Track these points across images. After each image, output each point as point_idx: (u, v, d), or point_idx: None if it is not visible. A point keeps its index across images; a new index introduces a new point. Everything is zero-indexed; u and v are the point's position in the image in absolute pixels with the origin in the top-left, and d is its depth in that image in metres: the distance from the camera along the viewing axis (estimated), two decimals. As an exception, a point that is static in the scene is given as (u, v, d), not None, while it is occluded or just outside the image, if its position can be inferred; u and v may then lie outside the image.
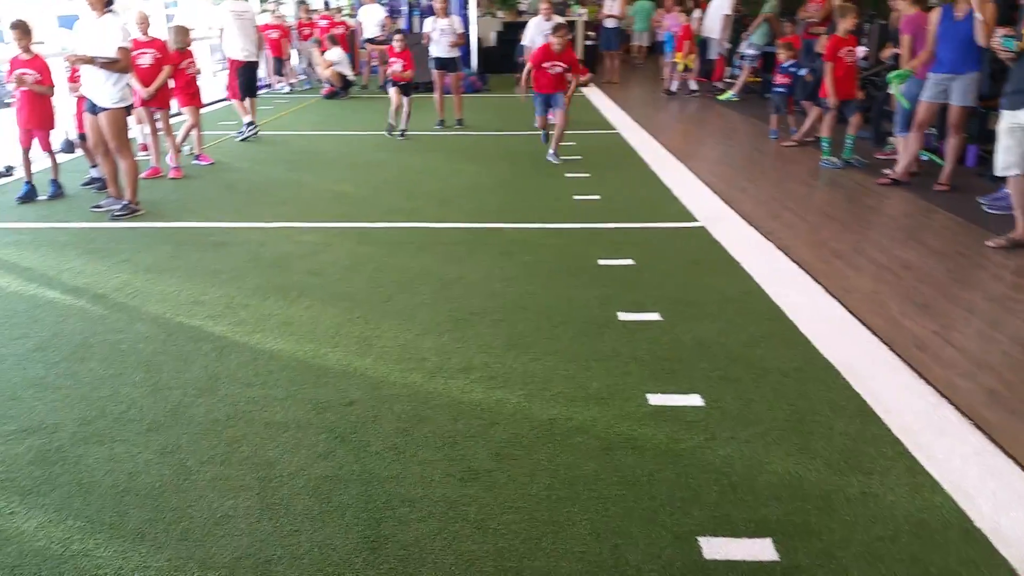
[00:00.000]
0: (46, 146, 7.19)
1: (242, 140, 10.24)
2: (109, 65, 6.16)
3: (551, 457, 3.10)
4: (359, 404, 3.50)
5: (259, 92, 11.20)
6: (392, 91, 10.34)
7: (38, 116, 7.02)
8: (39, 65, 6.90)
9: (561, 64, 8.36)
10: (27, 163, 7.13)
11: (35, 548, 2.58)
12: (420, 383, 3.70)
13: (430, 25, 10.98)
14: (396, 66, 10.23)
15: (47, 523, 2.71)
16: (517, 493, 2.88)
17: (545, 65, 8.35)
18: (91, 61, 6.22)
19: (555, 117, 8.59)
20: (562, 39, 8.34)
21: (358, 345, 4.10)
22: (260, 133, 10.57)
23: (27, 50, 6.82)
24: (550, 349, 4.03)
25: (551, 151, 8.71)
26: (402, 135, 10.32)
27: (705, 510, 2.76)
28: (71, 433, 3.27)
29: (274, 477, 2.96)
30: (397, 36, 10.64)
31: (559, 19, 11.18)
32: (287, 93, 15.52)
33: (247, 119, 10.35)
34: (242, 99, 10.29)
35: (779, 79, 9.97)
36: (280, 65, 15.78)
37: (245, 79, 10.24)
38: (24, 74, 6.79)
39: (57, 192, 7.26)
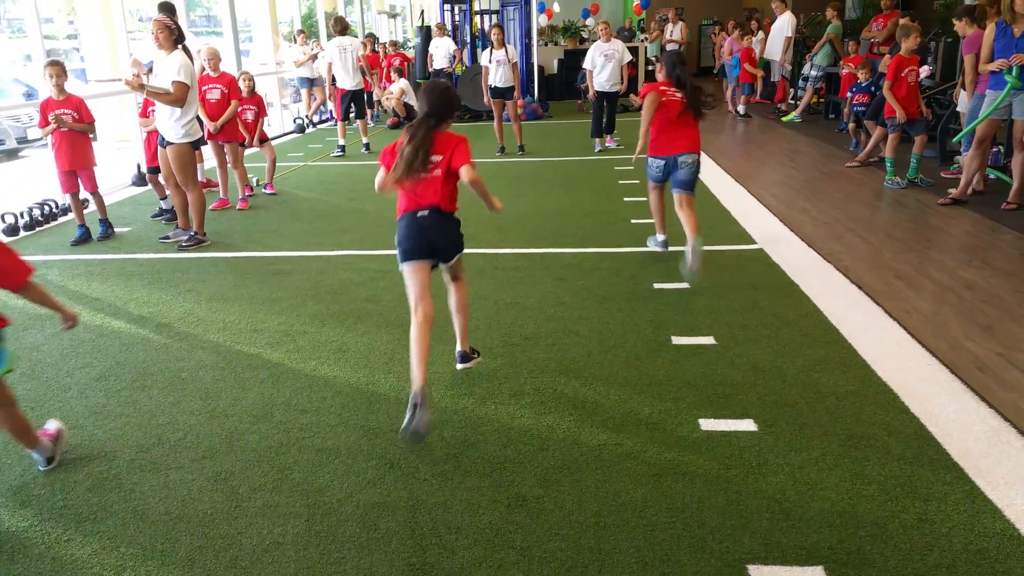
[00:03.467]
0: (91, 186, 7.04)
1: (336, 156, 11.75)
2: (160, 96, 6.32)
3: (600, 483, 3.08)
4: (409, 430, 3.52)
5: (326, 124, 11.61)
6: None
7: (81, 156, 6.89)
8: (75, 104, 6.80)
9: None
10: (77, 206, 7.04)
11: None
12: (471, 408, 3.71)
13: (487, 57, 11.14)
14: None
15: (101, 550, 2.77)
16: (564, 520, 2.86)
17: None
18: (141, 89, 6.40)
19: None
20: None
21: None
22: (323, 163, 10.83)
23: (61, 90, 6.72)
24: (601, 374, 4.01)
25: None
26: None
27: (756, 537, 2.71)
28: (128, 460, 3.35)
29: (323, 504, 3.00)
30: None
31: (618, 41, 11.21)
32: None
33: (341, 141, 11.89)
34: (342, 120, 11.98)
35: (858, 98, 9.83)
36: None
37: (345, 104, 11.85)
38: (63, 114, 6.68)
39: (107, 232, 7.17)
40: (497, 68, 11.03)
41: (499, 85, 11.14)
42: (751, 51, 14.57)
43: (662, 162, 5.67)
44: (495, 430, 3.51)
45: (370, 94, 14.85)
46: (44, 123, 6.75)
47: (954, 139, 7.26)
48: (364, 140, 12.07)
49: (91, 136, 7.08)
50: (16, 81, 15.22)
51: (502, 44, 11.03)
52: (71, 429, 3.63)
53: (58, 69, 6.73)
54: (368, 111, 15.42)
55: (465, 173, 3.55)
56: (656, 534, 2.75)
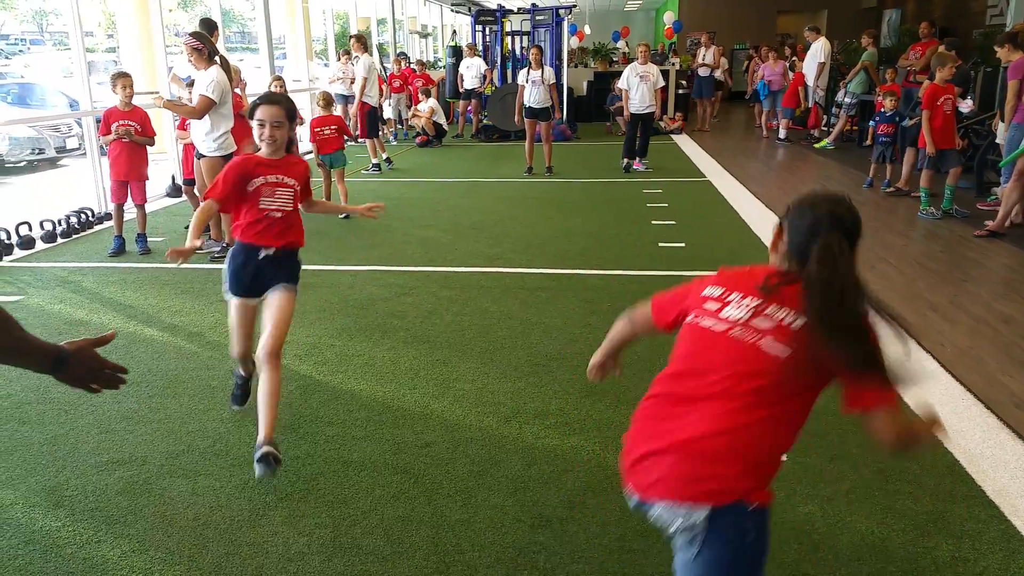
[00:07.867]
0: (140, 198, 7.06)
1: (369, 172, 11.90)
2: (179, 108, 6.58)
3: (625, 507, 3.01)
4: (434, 446, 3.53)
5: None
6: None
7: (137, 168, 6.97)
8: (139, 117, 6.94)
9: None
10: (119, 217, 7.06)
11: (116, 577, 2.67)
12: (495, 427, 3.71)
13: (523, 77, 11.22)
14: None
15: (130, 552, 2.79)
16: (588, 543, 2.84)
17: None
18: (168, 105, 6.54)
19: None
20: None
21: (436, 387, 4.14)
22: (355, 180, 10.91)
23: (128, 102, 6.86)
24: (627, 397, 3.98)
25: None
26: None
27: (783, 569, 2.67)
28: (158, 466, 3.38)
29: (347, 516, 3.00)
30: None
31: (654, 65, 11.42)
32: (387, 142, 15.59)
33: (374, 160, 11.95)
34: (368, 138, 12.07)
35: (882, 128, 9.74)
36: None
37: (369, 121, 12.02)
38: (127, 125, 6.79)
39: (145, 248, 7.08)
40: (532, 88, 11.10)
41: (533, 106, 11.20)
42: (801, 76, 14.52)
43: None
44: (519, 449, 3.50)
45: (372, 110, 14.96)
46: (105, 131, 6.87)
47: (1000, 163, 7.35)
48: (375, 160, 12.01)
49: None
50: (60, 93, 15.45)
51: (539, 64, 11.13)
52: (103, 433, 3.66)
53: (128, 81, 6.85)
54: (386, 128, 15.56)
55: None
56: (681, 560, 2.72)
